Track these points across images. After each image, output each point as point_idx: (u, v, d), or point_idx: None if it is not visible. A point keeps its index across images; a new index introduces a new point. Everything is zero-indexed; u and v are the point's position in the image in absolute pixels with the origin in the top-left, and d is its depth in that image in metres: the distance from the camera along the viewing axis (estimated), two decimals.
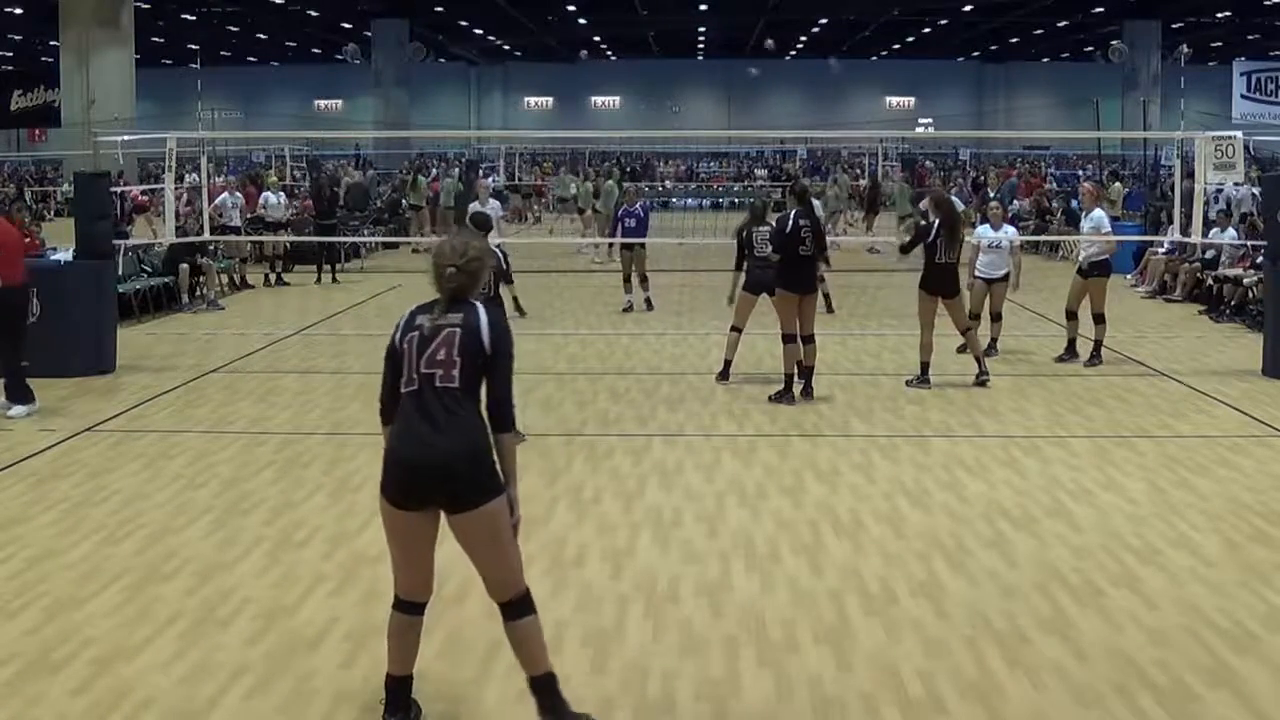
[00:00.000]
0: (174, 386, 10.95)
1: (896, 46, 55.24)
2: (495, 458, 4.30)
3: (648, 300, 15.83)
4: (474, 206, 16.36)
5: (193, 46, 44.34)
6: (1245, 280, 14.85)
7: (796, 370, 10.32)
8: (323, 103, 61.19)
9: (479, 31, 49.78)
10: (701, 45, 57.27)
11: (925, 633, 5.41)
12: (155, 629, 5.44)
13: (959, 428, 9.42)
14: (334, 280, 19.23)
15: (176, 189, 17.15)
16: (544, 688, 4.39)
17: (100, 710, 4.67)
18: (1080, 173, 34.76)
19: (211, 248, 17.29)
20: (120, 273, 14.25)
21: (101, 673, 4.98)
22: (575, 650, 5.22)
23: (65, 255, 13.08)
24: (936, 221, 10.88)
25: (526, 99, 63.95)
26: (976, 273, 12.44)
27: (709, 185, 43.11)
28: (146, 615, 5.60)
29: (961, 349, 11.65)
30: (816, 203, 14.37)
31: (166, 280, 15.97)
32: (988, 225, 12.76)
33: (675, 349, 12.99)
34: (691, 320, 15.06)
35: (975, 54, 58.39)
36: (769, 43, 42.61)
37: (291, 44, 55.13)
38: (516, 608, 4.37)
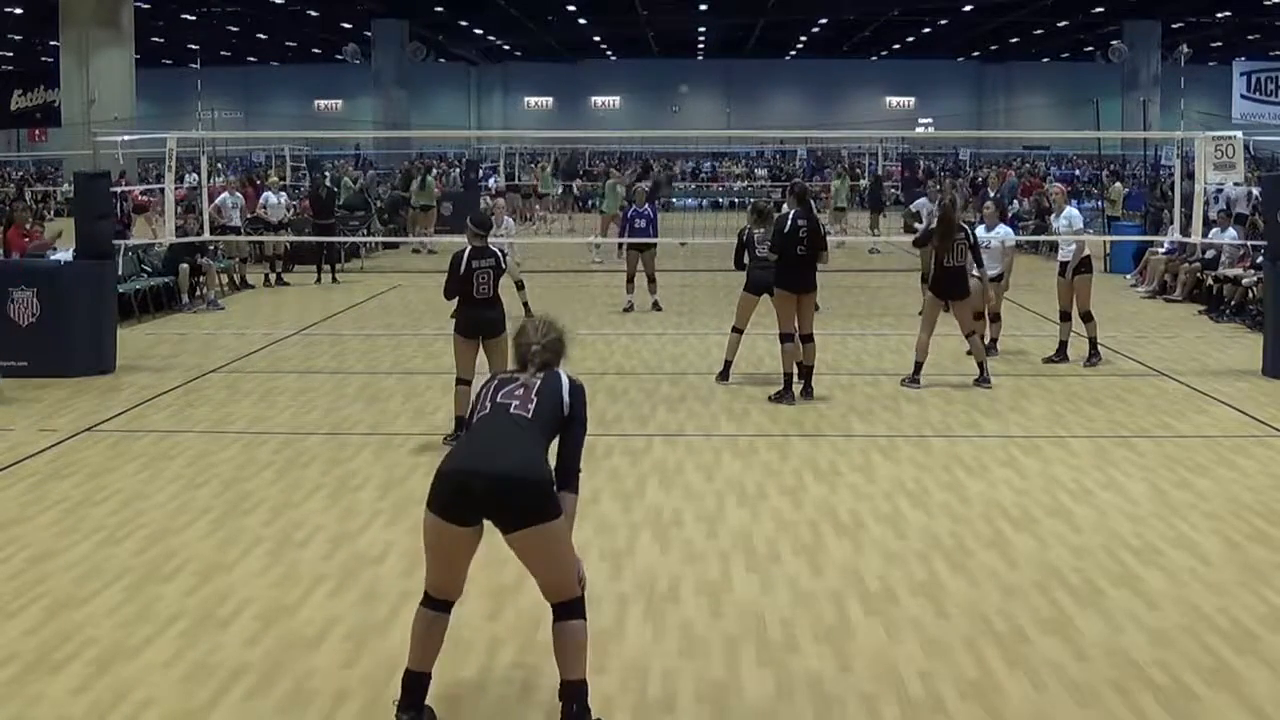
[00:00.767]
0: (174, 386, 10.95)
1: (896, 46, 55.25)
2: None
3: (655, 303, 15.82)
4: (508, 222, 16.36)
5: (193, 46, 44.33)
6: (1245, 280, 14.85)
7: (796, 370, 10.32)
8: (323, 103, 61.20)
9: (479, 31, 49.78)
10: (701, 45, 57.27)
11: (925, 633, 5.41)
12: (155, 629, 5.44)
13: (959, 428, 9.42)
14: (334, 280, 19.23)
15: (177, 188, 17.15)
16: (574, 695, 4.37)
17: (100, 710, 4.67)
18: (1070, 172, 34.84)
19: (211, 248, 17.29)
20: (120, 273, 14.25)
21: (101, 673, 4.98)
22: None
23: (65, 255, 13.09)
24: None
25: (526, 99, 63.96)
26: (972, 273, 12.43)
27: (708, 185, 43.11)
28: (146, 615, 5.60)
29: (969, 353, 11.64)
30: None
31: (166, 280, 15.97)
32: (983, 226, 12.75)
33: (675, 349, 13.00)
34: (692, 320, 15.06)
35: (975, 54, 58.38)
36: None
37: (291, 44, 55.15)
38: (567, 609, 4.39)
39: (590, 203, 37.85)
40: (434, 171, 30.37)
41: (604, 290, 17.64)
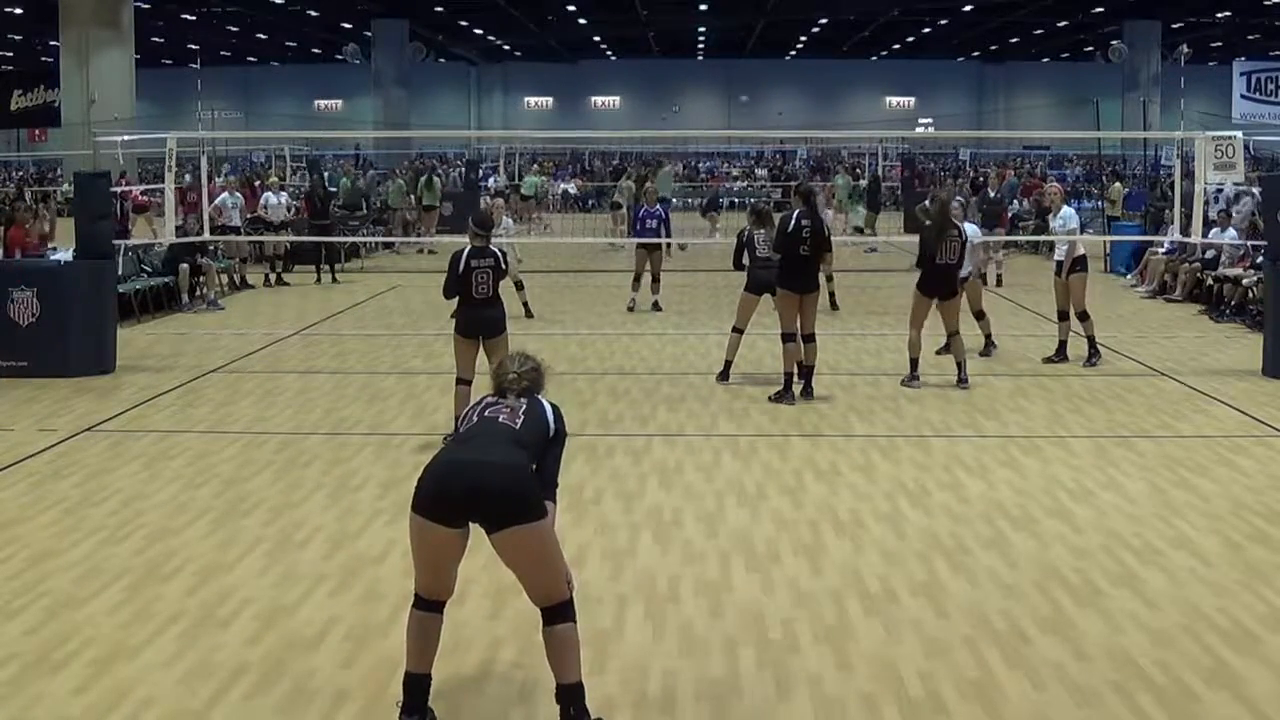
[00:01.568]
0: (174, 386, 10.95)
1: (896, 46, 55.26)
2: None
3: (655, 303, 15.82)
4: (507, 222, 16.43)
5: (193, 46, 44.39)
6: (1245, 280, 14.85)
7: (796, 370, 10.32)
8: (323, 103, 61.20)
9: (479, 31, 49.78)
10: (701, 45, 57.28)
11: (925, 633, 5.41)
12: (155, 629, 5.44)
13: (959, 428, 9.42)
14: (334, 280, 19.23)
15: (178, 187, 17.16)
16: (570, 697, 4.38)
17: (100, 710, 4.67)
18: (1063, 172, 34.81)
19: (211, 248, 17.29)
20: (120, 273, 14.25)
21: (101, 673, 4.98)
22: None
23: (65, 255, 13.09)
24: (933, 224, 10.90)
25: (526, 99, 63.95)
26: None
27: (708, 184, 43.08)
28: (146, 615, 5.60)
29: (943, 350, 11.63)
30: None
31: (166, 280, 15.97)
32: None
33: (675, 349, 13.00)
34: (691, 320, 15.06)
35: (975, 54, 58.39)
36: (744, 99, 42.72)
37: (291, 44, 55.15)
38: (555, 613, 4.40)
39: (590, 203, 37.86)
40: (437, 171, 30.42)
41: (604, 290, 17.64)
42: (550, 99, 63.60)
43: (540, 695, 4.74)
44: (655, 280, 15.87)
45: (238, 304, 16.87)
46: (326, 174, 28.33)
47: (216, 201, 18.49)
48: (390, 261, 22.73)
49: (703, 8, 43.47)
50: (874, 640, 5.34)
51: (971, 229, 12.85)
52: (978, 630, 5.44)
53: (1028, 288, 17.81)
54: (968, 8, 42.09)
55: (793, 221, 10.16)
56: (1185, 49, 31.18)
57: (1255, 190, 18.30)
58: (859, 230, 25.63)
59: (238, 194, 19.80)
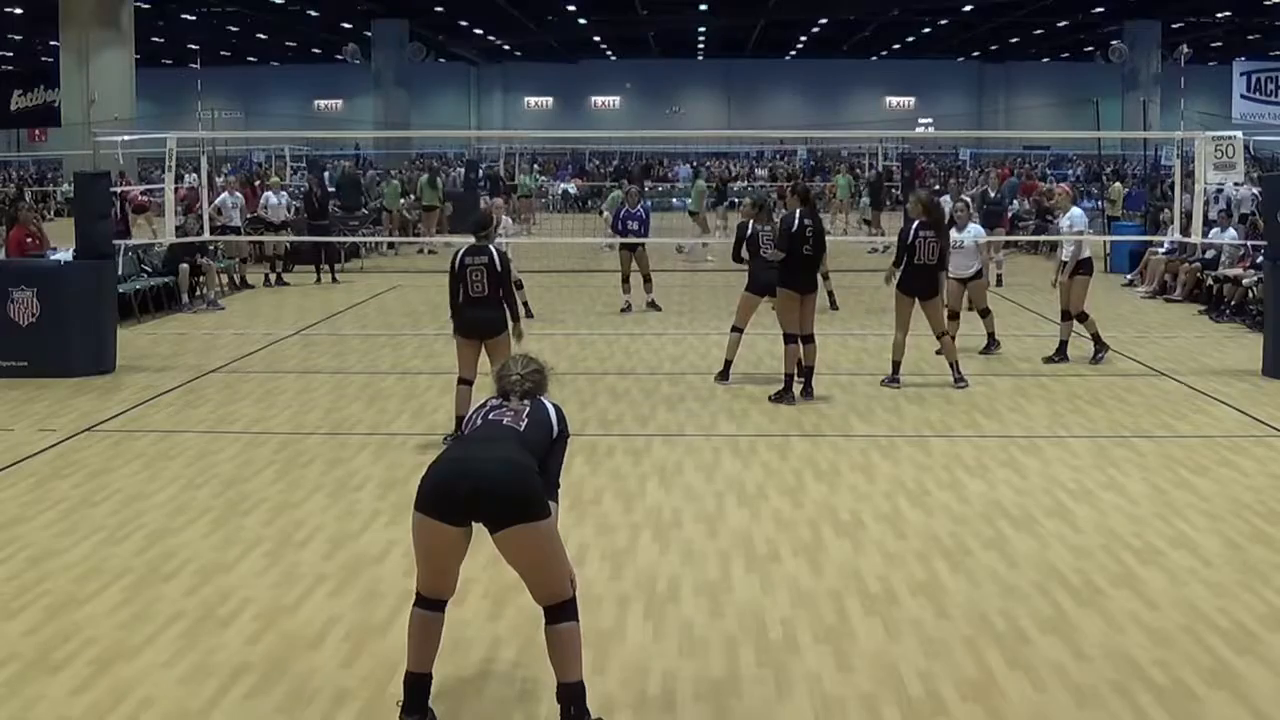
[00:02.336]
0: (174, 386, 10.95)
1: (896, 46, 55.27)
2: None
3: (652, 302, 15.82)
4: (507, 222, 16.53)
5: (193, 46, 44.34)
6: (1245, 280, 14.85)
7: (796, 370, 10.32)
8: (323, 103, 61.20)
9: (479, 31, 49.79)
10: (701, 45, 57.28)
11: (925, 633, 5.41)
12: (155, 629, 5.44)
13: (959, 428, 9.42)
14: (334, 280, 19.23)
15: (178, 188, 17.16)
16: (571, 696, 4.38)
17: (100, 710, 4.67)
18: (1064, 173, 34.84)
19: (211, 248, 17.29)
20: (120, 273, 14.24)
21: (101, 673, 4.98)
22: None
23: (65, 255, 13.09)
24: (916, 223, 10.83)
25: (526, 99, 63.99)
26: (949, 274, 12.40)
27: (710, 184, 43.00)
28: (146, 615, 5.60)
29: (939, 351, 11.63)
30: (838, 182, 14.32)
31: (166, 280, 15.97)
32: (954, 227, 12.67)
33: (675, 349, 13.00)
34: (692, 320, 15.06)
35: (975, 54, 58.41)
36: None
37: (291, 44, 55.16)
38: (558, 612, 4.40)
39: (589, 203, 37.86)
40: (440, 172, 30.43)
41: (604, 290, 17.62)
42: (550, 99, 63.62)
43: (540, 695, 4.74)
44: (646, 280, 15.86)
45: (238, 304, 16.87)
46: (326, 174, 28.34)
47: (216, 202, 18.49)
48: (390, 261, 22.73)
49: (703, 8, 43.46)
50: (874, 640, 5.34)
51: (976, 229, 12.85)
52: (978, 630, 5.44)
53: (1028, 288, 17.80)
54: (968, 8, 42.08)
55: (796, 221, 10.17)
56: (1185, 49, 31.14)
57: (1255, 190, 18.34)
58: (866, 224, 25.73)
59: (238, 194, 19.80)
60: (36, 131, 41.09)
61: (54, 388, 10.68)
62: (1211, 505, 7.33)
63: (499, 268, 8.54)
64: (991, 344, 12.52)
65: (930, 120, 56.54)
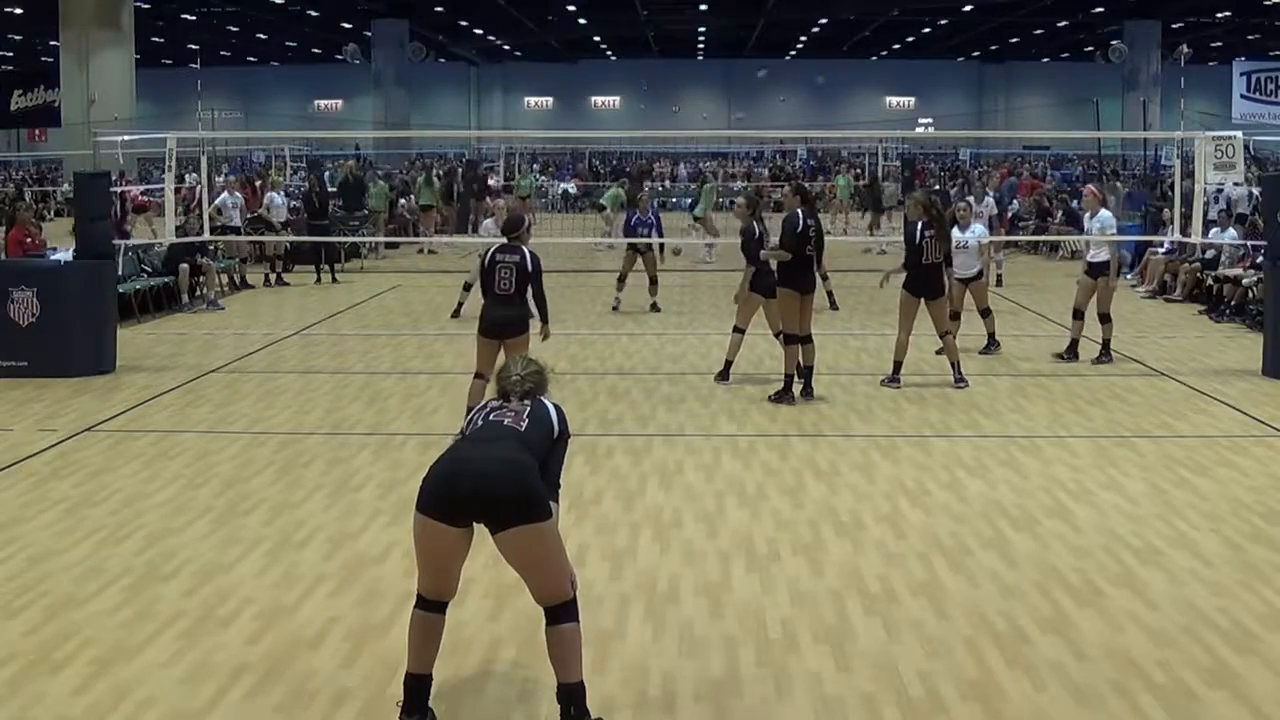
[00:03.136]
0: (174, 386, 10.95)
1: (896, 46, 55.28)
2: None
3: (654, 304, 15.82)
4: (488, 224, 16.54)
5: (193, 46, 44.40)
6: (1245, 280, 14.85)
7: (796, 370, 10.32)
8: (323, 103, 61.20)
9: (479, 31, 49.81)
10: (701, 45, 57.28)
11: (925, 633, 5.41)
12: (155, 629, 5.44)
13: (959, 428, 9.42)
14: (334, 280, 19.22)
15: (178, 188, 17.16)
16: (571, 696, 4.38)
17: (100, 710, 4.67)
18: (1068, 172, 34.82)
19: (211, 248, 17.29)
20: (120, 273, 14.24)
21: (101, 673, 4.98)
22: None
23: (65, 255, 13.09)
24: (920, 223, 10.83)
25: (526, 99, 64.01)
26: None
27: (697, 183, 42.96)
28: (146, 615, 5.60)
29: (939, 351, 11.63)
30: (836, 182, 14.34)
31: (166, 280, 15.97)
32: (956, 226, 12.68)
33: (675, 349, 13.00)
34: (692, 320, 15.06)
35: (975, 54, 58.42)
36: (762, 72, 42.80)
37: (291, 44, 55.16)
38: (559, 613, 4.40)
39: (580, 203, 37.86)
40: (437, 172, 30.42)
41: (604, 290, 17.60)
42: (550, 99, 63.63)
43: (541, 695, 4.74)
44: (652, 282, 15.87)
45: (238, 304, 16.87)
46: (326, 174, 28.33)
47: (217, 202, 18.49)
48: (390, 261, 22.72)
49: (703, 8, 43.47)
50: (874, 640, 5.34)
51: (980, 229, 12.86)
52: (978, 630, 5.44)
53: (1027, 288, 17.81)
54: (968, 8, 42.09)
55: (800, 222, 10.18)
56: (1185, 49, 31.19)
57: (1254, 190, 18.33)
58: (853, 198, 25.97)
59: (238, 194, 19.80)
60: (36, 131, 41.10)
61: (54, 388, 10.68)
62: (1211, 505, 7.33)
63: (530, 268, 8.67)
64: (991, 344, 12.53)
65: (930, 120, 56.58)
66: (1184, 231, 15.02)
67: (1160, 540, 6.67)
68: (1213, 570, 6.20)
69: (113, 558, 6.38)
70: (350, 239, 22.20)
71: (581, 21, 46.02)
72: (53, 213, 33.02)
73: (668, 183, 42.76)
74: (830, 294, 15.65)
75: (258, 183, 25.34)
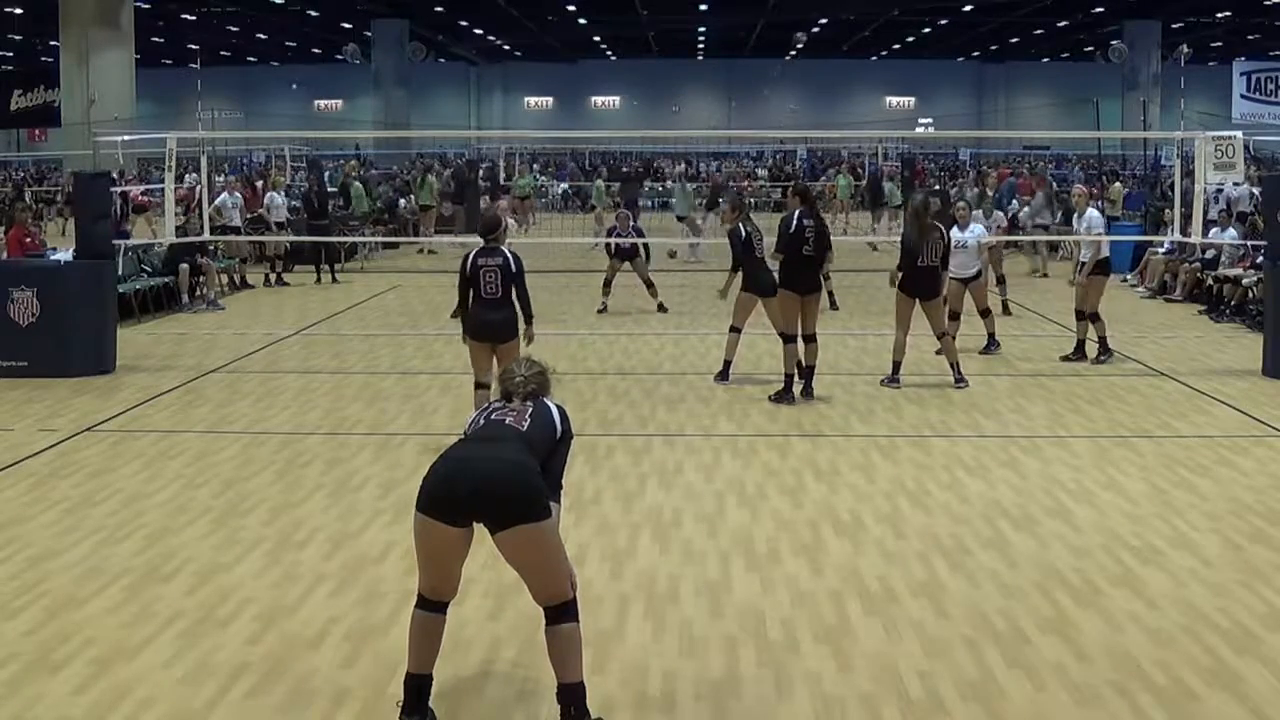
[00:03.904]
0: (174, 386, 10.95)
1: (896, 46, 55.29)
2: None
3: (660, 305, 15.78)
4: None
5: (193, 46, 44.35)
6: (1245, 280, 14.85)
7: (797, 370, 10.31)
8: (323, 103, 61.20)
9: (479, 31, 49.82)
10: (701, 45, 57.28)
11: (925, 633, 5.41)
12: (155, 629, 5.44)
13: (959, 428, 9.42)
14: (334, 280, 19.22)
15: (177, 188, 17.16)
16: (571, 696, 4.38)
17: (100, 710, 4.67)
18: (1063, 173, 34.82)
19: (211, 248, 17.29)
20: (120, 273, 14.24)
21: (101, 673, 4.98)
22: None
23: (65, 255, 13.08)
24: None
25: (526, 99, 64.02)
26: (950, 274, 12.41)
27: (708, 184, 42.96)
28: (146, 615, 5.60)
29: (939, 352, 11.62)
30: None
31: (166, 280, 15.97)
32: (955, 226, 12.68)
33: (675, 349, 13.00)
34: (692, 320, 15.06)
35: (975, 54, 58.42)
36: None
37: (291, 44, 55.16)
38: (558, 612, 4.40)
39: (570, 201, 37.87)
40: (434, 171, 30.40)
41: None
42: (550, 99, 63.64)
43: (541, 695, 4.74)
44: (649, 286, 15.84)
45: (238, 304, 16.86)
46: (326, 174, 28.32)
47: (216, 202, 18.49)
48: (390, 261, 22.72)
49: (703, 8, 43.47)
50: (874, 640, 5.34)
51: (979, 229, 12.86)
52: (978, 630, 5.44)
53: (1028, 287, 17.81)
54: (968, 8, 42.09)
55: (794, 222, 10.14)
56: (1185, 49, 31.17)
57: (1255, 190, 18.33)
58: (851, 199, 26.12)
59: (237, 194, 19.80)
60: (36, 131, 41.12)
61: (54, 388, 10.68)
62: (1211, 505, 7.33)
63: (513, 269, 8.56)
64: (991, 344, 12.53)
65: (930, 120, 56.58)
66: (1184, 231, 15.03)
67: (1160, 540, 6.67)
68: (1213, 570, 6.20)
69: (113, 558, 6.38)
70: (350, 239, 22.20)
71: (581, 21, 46.02)
72: (55, 213, 33.01)
73: (668, 183, 42.74)
74: (830, 294, 15.64)
75: (258, 183, 25.34)
